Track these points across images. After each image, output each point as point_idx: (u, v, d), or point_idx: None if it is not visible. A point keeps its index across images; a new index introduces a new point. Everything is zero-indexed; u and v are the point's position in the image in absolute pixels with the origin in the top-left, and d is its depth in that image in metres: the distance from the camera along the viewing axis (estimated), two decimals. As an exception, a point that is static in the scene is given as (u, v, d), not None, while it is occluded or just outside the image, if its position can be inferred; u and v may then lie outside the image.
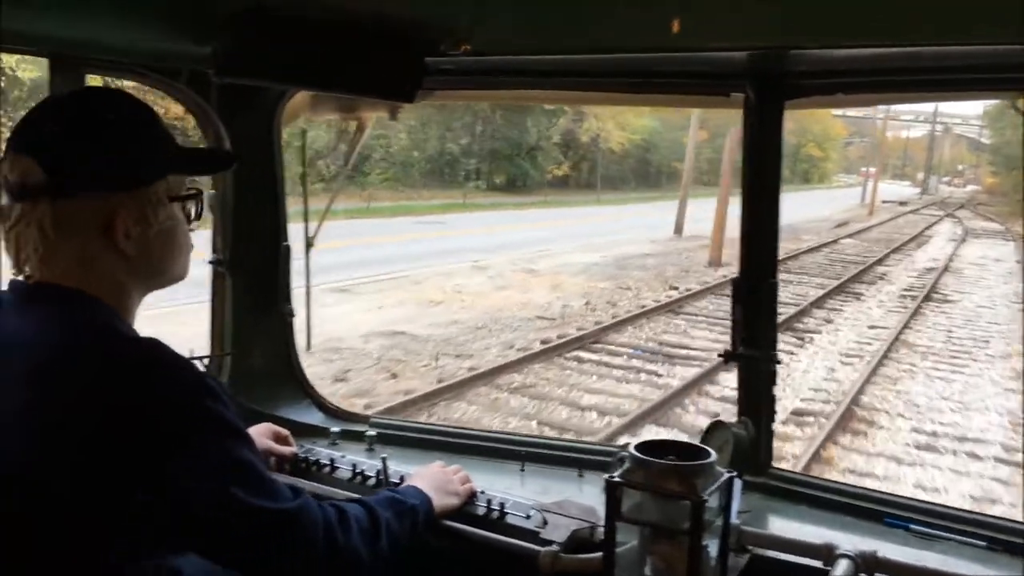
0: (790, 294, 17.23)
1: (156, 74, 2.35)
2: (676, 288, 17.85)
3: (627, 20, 1.75)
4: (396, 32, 1.95)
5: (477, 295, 16.51)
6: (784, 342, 12.58)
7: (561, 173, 47.23)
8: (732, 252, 22.19)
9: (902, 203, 57.16)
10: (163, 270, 1.65)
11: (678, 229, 28.74)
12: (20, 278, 1.55)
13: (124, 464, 1.39)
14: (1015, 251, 30.12)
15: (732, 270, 19.33)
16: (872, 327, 14.95)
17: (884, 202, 54.47)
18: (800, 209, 38.40)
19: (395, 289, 16.63)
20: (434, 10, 1.91)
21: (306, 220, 2.62)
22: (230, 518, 1.50)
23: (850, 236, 31.76)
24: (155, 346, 1.48)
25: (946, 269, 23.31)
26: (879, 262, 23.67)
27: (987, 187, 74.80)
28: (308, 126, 2.77)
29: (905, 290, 19.19)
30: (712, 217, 22.74)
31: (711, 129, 58.20)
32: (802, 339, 13.73)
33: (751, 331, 2.25)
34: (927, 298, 18.02)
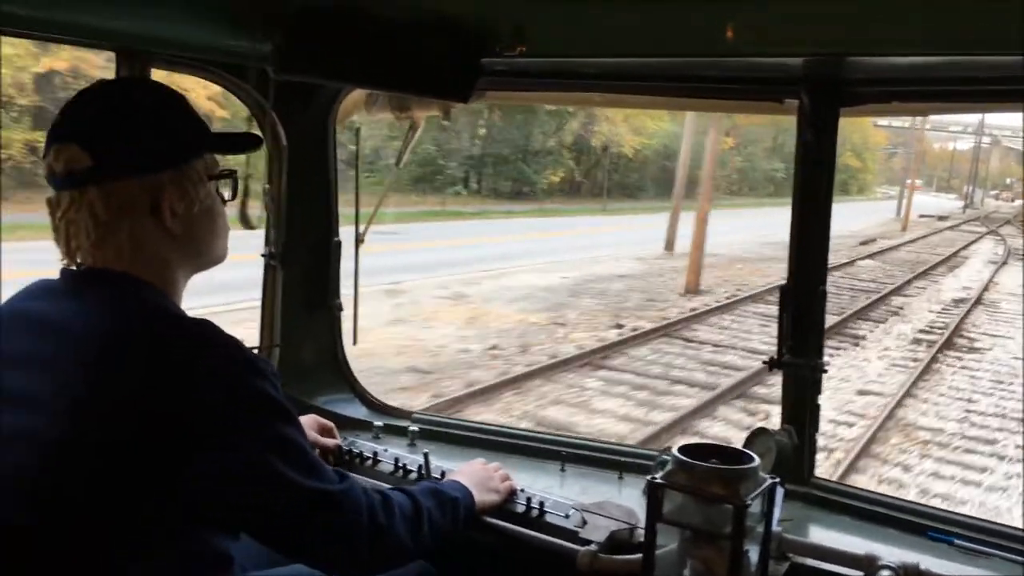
0: (768, 338, 12.50)
1: (217, 70, 2.40)
2: (621, 326, 14.19)
3: (682, 24, 1.76)
4: (453, 32, 1.98)
5: (359, 331, 11.17)
6: (728, 421, 9.53)
7: (558, 179, 43.29)
8: (720, 276, 20.55)
9: (941, 218, 53.69)
10: (205, 250, 1.70)
11: (669, 245, 24.91)
12: (71, 267, 1.60)
13: (175, 444, 1.43)
14: (1065, 278, 25.79)
15: (709, 300, 17.30)
16: (862, 392, 11.03)
17: (921, 216, 51.81)
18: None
19: (254, 319, 11.40)
20: (491, 11, 1.93)
21: (357, 217, 2.66)
22: (276, 496, 1.53)
23: (871, 256, 27.72)
24: (204, 325, 1.52)
25: (978, 301, 19.26)
26: (897, 291, 19.77)
27: None
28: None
29: (922, 332, 15.38)
30: (725, 233, 21.00)
31: (739, 135, 53.86)
32: (754, 414, 9.69)
33: (798, 339, 2.24)
34: (947, 345, 14.08)
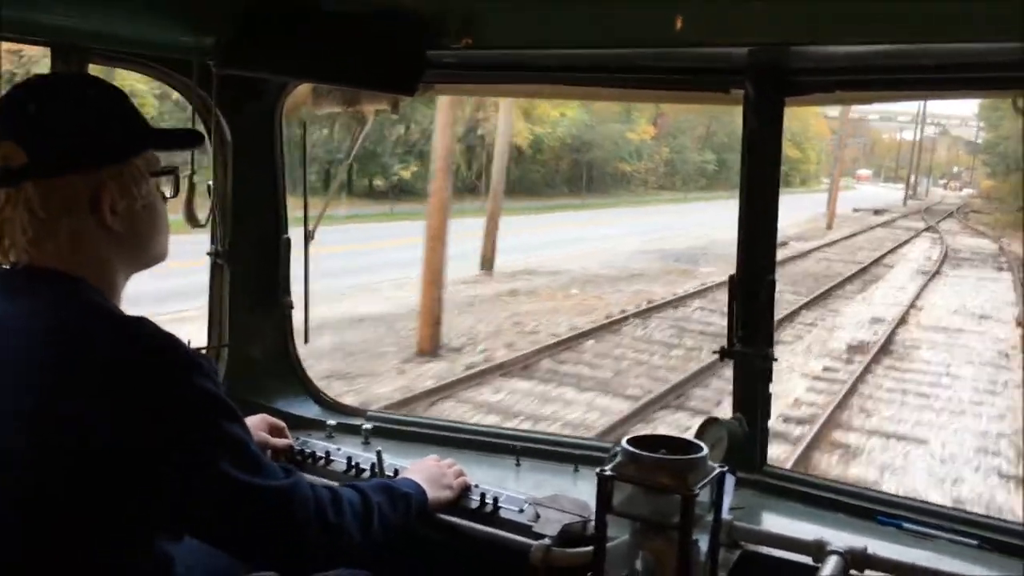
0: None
1: (158, 64, 2.35)
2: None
3: (630, 15, 1.78)
4: (398, 25, 1.97)
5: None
6: None
7: (408, 175, 33.89)
8: (524, 312, 14.84)
9: (877, 211, 47.11)
10: (146, 247, 1.66)
11: (486, 263, 18.26)
12: (5, 266, 1.56)
13: (116, 446, 1.40)
14: (1012, 290, 19.72)
15: (444, 369, 11.07)
16: None
17: (856, 211, 46.47)
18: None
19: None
20: (438, 4, 1.92)
21: (306, 213, 2.63)
22: (221, 495, 1.51)
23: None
24: (142, 324, 1.49)
25: (885, 349, 12.71)
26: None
27: (983, 191, 68.30)
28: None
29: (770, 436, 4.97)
30: (613, 237, 17.85)
31: (667, 124, 48.59)
32: None
33: (748, 328, 2.25)
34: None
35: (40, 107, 1.54)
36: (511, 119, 16.32)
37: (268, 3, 2.07)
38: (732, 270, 2.25)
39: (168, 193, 1.72)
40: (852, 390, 10.46)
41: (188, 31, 2.12)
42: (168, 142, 1.76)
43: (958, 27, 1.58)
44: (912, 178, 76.14)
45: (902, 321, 15.19)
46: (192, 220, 2.38)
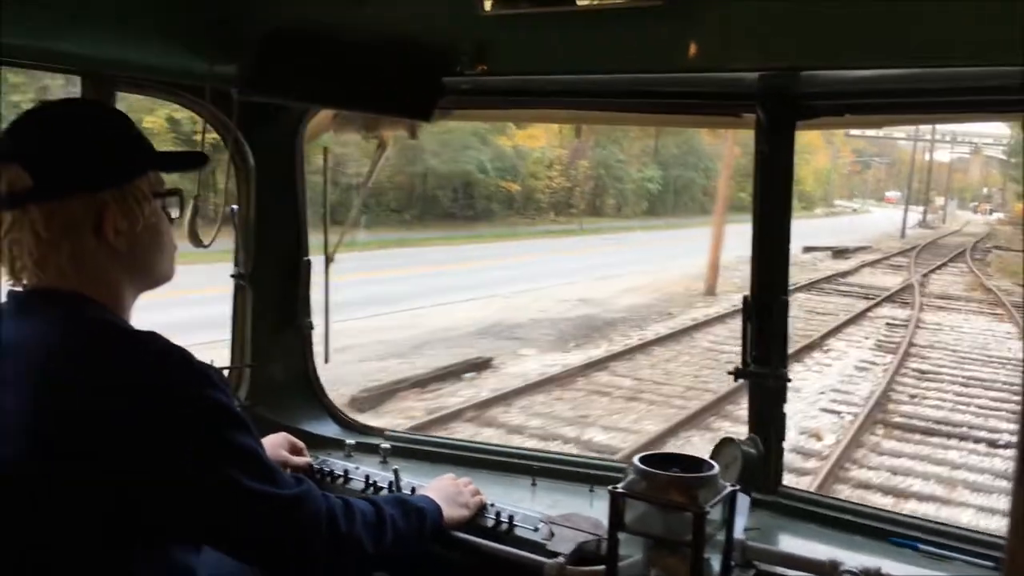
0: None
1: (182, 91, 2.42)
2: None
3: (643, 41, 1.81)
4: (414, 52, 2.02)
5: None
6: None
7: None
8: None
9: (839, 252, 30.60)
10: (150, 267, 1.70)
11: None
12: (18, 288, 1.60)
13: (126, 456, 1.44)
14: None
15: None
16: None
17: (808, 250, 29.93)
18: (666, 262, 22.60)
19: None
20: (453, 31, 1.97)
21: (326, 236, 2.69)
22: (231, 503, 1.54)
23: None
24: (152, 338, 1.53)
25: None
26: None
27: (1015, 214, 56.68)
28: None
29: None
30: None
31: (594, 131, 34.21)
32: None
33: (761, 348, 2.26)
34: None
35: (45, 132, 1.59)
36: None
37: (288, 31, 2.13)
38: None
39: (174, 214, 1.75)
40: None
41: (210, 59, 2.18)
42: (170, 164, 1.81)
43: (963, 51, 1.60)
44: (940, 200, 72.65)
45: None
46: (195, 240, 2.36)
